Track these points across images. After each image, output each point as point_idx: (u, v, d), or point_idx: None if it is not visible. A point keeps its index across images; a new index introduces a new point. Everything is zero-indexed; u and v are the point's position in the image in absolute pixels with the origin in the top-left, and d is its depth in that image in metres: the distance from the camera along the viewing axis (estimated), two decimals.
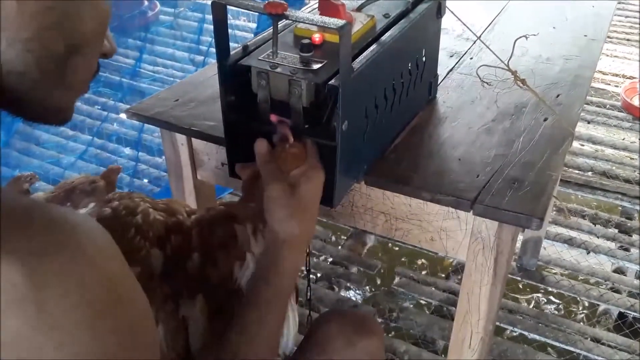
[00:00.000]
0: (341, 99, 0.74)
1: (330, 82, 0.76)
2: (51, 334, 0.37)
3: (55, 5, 0.47)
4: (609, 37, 3.20)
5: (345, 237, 2.11)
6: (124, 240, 0.78)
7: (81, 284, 0.39)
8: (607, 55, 3.17)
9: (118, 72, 3.06)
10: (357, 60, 0.80)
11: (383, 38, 0.87)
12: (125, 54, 3.24)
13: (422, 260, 2.03)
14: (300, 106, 0.78)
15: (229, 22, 0.79)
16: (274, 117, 0.80)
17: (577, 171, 2.36)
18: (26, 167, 2.49)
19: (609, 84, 2.96)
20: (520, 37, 1.00)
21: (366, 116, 0.84)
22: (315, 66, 0.78)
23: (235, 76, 0.83)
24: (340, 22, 0.71)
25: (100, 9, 0.51)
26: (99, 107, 2.86)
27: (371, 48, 0.84)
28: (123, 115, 1.00)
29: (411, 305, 1.84)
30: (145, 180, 2.37)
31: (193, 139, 1.10)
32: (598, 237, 2.05)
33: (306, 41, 0.81)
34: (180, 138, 1.11)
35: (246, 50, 0.84)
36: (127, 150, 2.58)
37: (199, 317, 0.77)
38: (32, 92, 0.49)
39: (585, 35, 1.39)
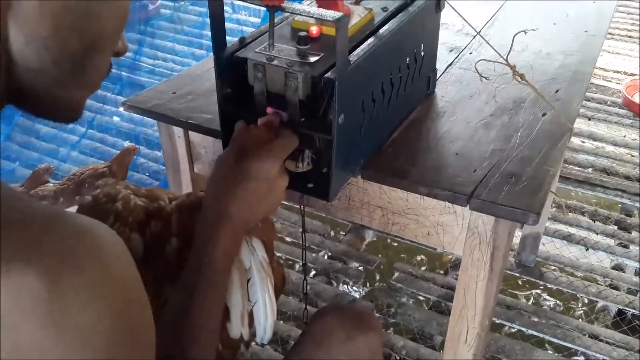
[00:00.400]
0: (337, 92, 0.74)
1: (326, 75, 0.75)
2: (70, 344, 0.37)
3: (76, 5, 0.47)
4: (610, 33, 3.19)
5: (344, 233, 2.11)
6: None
7: (102, 293, 0.39)
8: (609, 52, 3.16)
9: (117, 65, 3.05)
10: (354, 53, 0.80)
11: (381, 31, 0.87)
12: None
13: (422, 256, 2.02)
14: (297, 99, 0.77)
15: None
16: (270, 110, 0.80)
17: (577, 168, 2.35)
18: (26, 161, 2.49)
19: (610, 81, 2.95)
20: (520, 32, 0.99)
21: (363, 110, 0.84)
22: (312, 59, 0.78)
23: (231, 69, 0.83)
24: (337, 14, 0.71)
25: (120, 9, 0.51)
26: (98, 100, 2.86)
27: (369, 41, 0.84)
28: (122, 109, 1.00)
29: (409, 301, 1.84)
30: (145, 175, 2.36)
31: (190, 132, 1.10)
32: (597, 234, 2.04)
33: (303, 34, 0.80)
34: (177, 131, 1.11)
35: (243, 43, 0.83)
36: (126, 144, 2.58)
37: None
38: (47, 89, 0.49)
39: (586, 31, 1.38)
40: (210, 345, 0.72)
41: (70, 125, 2.70)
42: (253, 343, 0.86)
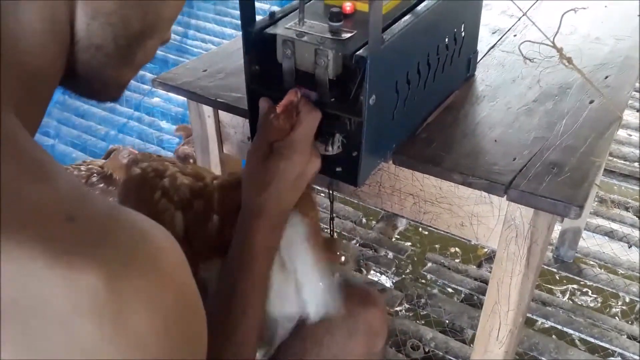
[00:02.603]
0: (369, 71, 0.69)
1: (358, 53, 0.71)
2: (123, 345, 0.37)
3: None
4: None
5: (376, 220, 2.07)
6: (151, 201, 0.81)
7: (159, 297, 0.38)
8: None
9: (165, 47, 3.07)
10: (389, 30, 0.76)
11: (418, 8, 0.82)
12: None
13: (455, 248, 1.97)
14: (327, 78, 0.73)
15: None
16: (299, 89, 0.76)
17: (622, 161, 2.25)
18: (64, 137, 2.52)
19: None
20: (569, 11, 0.93)
21: (397, 91, 0.80)
22: (344, 36, 0.74)
23: (260, 45, 0.79)
24: None
25: None
26: (137, 80, 2.87)
27: (405, 18, 0.79)
28: (153, 86, 0.99)
29: (441, 293, 1.79)
30: None
31: (220, 112, 1.07)
32: None
33: (336, 10, 0.76)
34: (207, 110, 1.08)
35: (273, 18, 0.80)
36: (163, 124, 2.59)
37: (216, 279, 0.76)
38: (101, 67, 0.50)
39: (639, 15, 1.30)
40: (250, 341, 0.73)
41: (109, 104, 2.75)
42: None
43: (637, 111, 2.53)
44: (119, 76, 0.53)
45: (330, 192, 0.92)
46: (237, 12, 3.29)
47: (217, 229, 0.80)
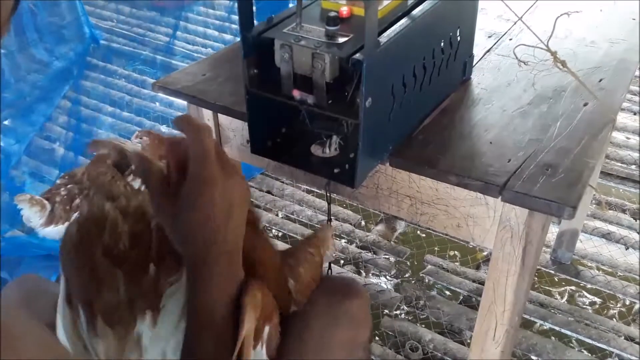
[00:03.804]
0: (365, 74, 0.71)
1: (354, 56, 0.72)
2: None
3: None
4: None
5: (375, 223, 2.08)
6: (93, 264, 0.70)
7: None
8: None
9: (154, 49, 3.10)
10: (385, 34, 0.77)
11: (414, 12, 0.84)
12: (163, 32, 3.28)
13: (454, 251, 1.98)
14: (324, 81, 0.75)
15: None
16: (296, 93, 0.78)
17: (620, 164, 2.26)
18: (65, 142, 2.53)
19: None
20: (562, 15, 0.94)
21: (393, 94, 0.81)
22: (341, 40, 0.76)
23: (258, 49, 0.81)
24: None
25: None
26: (137, 84, 2.90)
27: (401, 22, 0.81)
28: (153, 90, 1.00)
29: (440, 295, 1.80)
30: None
31: (219, 115, 1.09)
32: (638, 233, 1.96)
33: (333, 14, 0.78)
34: (207, 113, 1.10)
35: (271, 22, 0.81)
36: (163, 128, 2.60)
37: (147, 332, 0.67)
38: None
39: (634, 19, 1.31)
40: None
41: (110, 109, 2.77)
42: None
43: (635, 114, 2.55)
44: None
45: (328, 193, 0.93)
46: (225, 15, 3.36)
47: (153, 281, 0.69)
